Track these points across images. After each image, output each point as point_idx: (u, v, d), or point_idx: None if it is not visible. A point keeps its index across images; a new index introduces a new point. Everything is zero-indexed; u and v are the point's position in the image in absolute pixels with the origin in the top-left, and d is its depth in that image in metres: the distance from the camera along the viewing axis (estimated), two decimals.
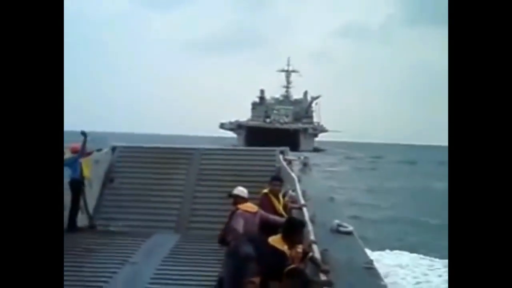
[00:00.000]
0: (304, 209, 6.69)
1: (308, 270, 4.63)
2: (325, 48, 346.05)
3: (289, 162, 10.51)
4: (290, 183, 8.20)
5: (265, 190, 6.63)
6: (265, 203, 6.43)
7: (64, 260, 6.78)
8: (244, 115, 51.02)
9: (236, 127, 49.27)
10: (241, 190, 6.09)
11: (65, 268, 6.11)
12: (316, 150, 48.10)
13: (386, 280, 5.87)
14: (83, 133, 9.22)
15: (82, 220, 9.04)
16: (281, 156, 10.82)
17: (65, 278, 6.03)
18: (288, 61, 55.00)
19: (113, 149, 11.12)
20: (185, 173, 10.43)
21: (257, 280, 4.64)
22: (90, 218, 9.41)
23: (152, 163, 10.74)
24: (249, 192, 6.21)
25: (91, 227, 9.33)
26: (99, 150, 10.72)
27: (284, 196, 6.96)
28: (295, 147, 42.44)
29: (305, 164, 11.01)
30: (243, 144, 44.78)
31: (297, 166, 10.59)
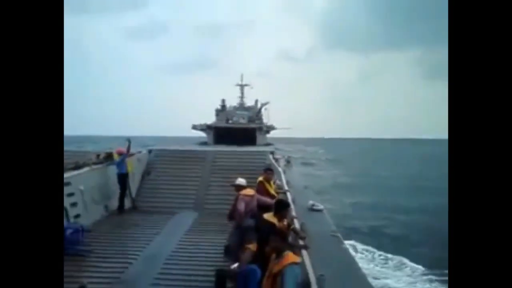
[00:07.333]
0: (288, 194, 8.49)
1: (291, 237, 5.51)
2: (268, 69, 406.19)
3: (276, 160, 13.23)
4: (277, 175, 10.23)
5: (260, 178, 7.96)
6: (261, 188, 7.69)
7: (116, 232, 9.13)
8: (209, 119, 61.99)
9: (206, 127, 59.09)
10: (240, 181, 7.37)
11: (117, 239, 8.46)
12: (267, 144, 54.39)
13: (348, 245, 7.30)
14: (128, 140, 11.52)
15: (127, 203, 11.43)
16: (270, 155, 13.66)
17: (118, 244, 8.07)
18: (241, 77, 66.74)
19: (150, 151, 14.21)
20: (201, 168, 13.28)
21: (253, 246, 5.72)
22: (133, 201, 11.82)
23: (178, 161, 13.75)
24: (248, 181, 7.59)
25: (134, 207, 11.65)
26: (139, 152, 13.64)
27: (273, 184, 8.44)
28: (252, 142, 50.63)
29: (288, 161, 13.98)
30: (212, 141, 53.27)
31: (282, 162, 13.27)
